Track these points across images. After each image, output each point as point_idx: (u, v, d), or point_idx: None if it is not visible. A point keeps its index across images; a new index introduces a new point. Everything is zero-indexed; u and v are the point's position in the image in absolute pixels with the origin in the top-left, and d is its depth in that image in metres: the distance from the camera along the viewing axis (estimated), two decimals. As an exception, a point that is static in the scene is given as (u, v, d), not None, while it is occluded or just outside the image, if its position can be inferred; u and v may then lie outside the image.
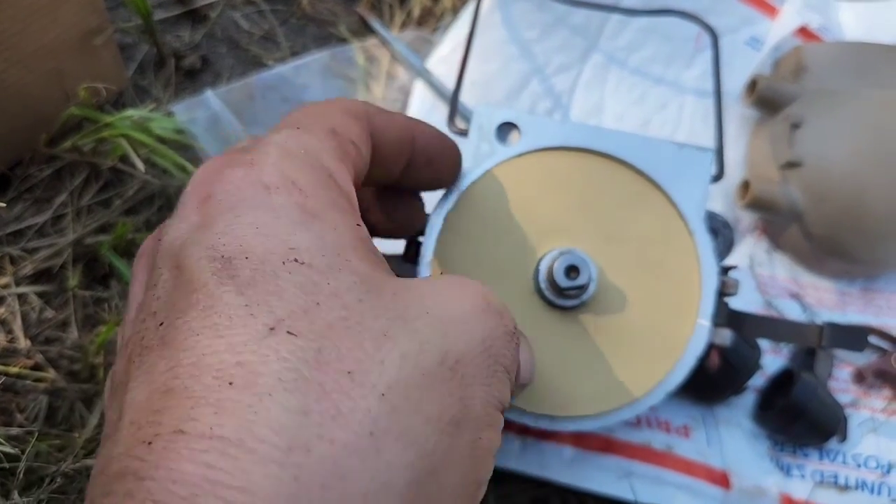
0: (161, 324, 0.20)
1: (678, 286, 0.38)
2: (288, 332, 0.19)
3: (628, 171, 0.39)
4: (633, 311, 0.38)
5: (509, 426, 0.49)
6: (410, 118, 0.33)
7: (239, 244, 0.21)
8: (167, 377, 0.18)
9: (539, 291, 0.38)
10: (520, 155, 0.40)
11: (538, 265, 0.38)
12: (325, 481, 0.17)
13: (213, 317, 0.19)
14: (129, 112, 0.55)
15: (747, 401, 0.52)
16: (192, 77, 0.63)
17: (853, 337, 0.43)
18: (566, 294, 0.38)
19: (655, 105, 0.63)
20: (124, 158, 0.55)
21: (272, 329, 0.19)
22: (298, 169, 0.24)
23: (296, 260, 0.20)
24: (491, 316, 0.24)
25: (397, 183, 0.34)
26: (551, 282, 0.37)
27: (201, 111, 0.58)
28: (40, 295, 0.52)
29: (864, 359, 0.54)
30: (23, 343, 0.51)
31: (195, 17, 0.66)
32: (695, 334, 0.38)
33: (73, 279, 0.53)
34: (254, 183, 0.23)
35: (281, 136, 0.25)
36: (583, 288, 0.39)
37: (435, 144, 0.34)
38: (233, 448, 0.16)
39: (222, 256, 0.20)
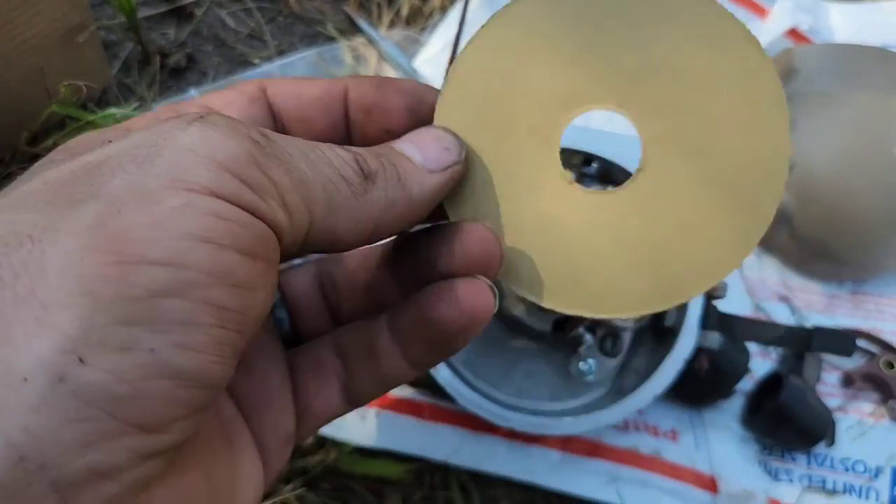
0: None
1: (755, 142, 0.28)
2: None
3: None
4: (691, 183, 0.29)
5: (495, 429, 0.49)
6: (349, 77, 0.30)
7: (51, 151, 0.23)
8: None
9: (566, 172, 0.31)
10: (509, 4, 0.30)
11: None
12: None
13: None
14: (112, 110, 0.54)
15: (735, 404, 0.52)
16: (177, 75, 0.63)
17: (842, 342, 0.43)
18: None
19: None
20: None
21: None
22: (141, 117, 0.25)
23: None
24: (163, 121, 0.21)
25: (354, 141, 0.30)
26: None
27: (185, 110, 0.57)
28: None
29: (853, 362, 0.54)
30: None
31: (181, 14, 0.65)
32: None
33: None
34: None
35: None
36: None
37: (369, 92, 0.29)
38: None
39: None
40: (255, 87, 0.28)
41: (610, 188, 0.29)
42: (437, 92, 0.30)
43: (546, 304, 0.29)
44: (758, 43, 0.27)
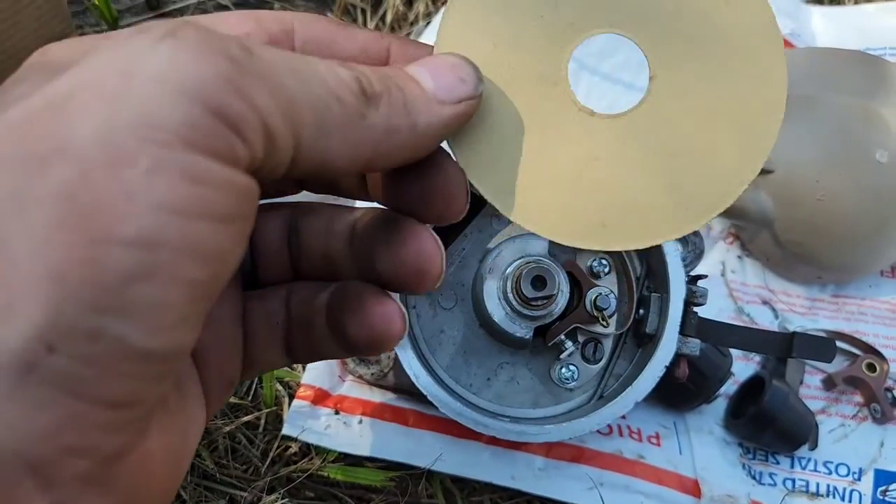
0: None
1: (755, 80, 0.29)
2: None
3: None
4: (699, 107, 0.29)
5: (479, 436, 0.49)
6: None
7: None
8: None
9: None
10: None
11: (504, 275, 0.35)
12: None
13: None
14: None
15: (718, 408, 0.52)
16: (160, 83, 0.62)
17: (823, 348, 0.43)
18: (532, 305, 0.38)
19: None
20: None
21: None
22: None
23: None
24: (130, 37, 0.19)
25: None
26: (517, 292, 0.37)
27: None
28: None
29: (835, 365, 0.54)
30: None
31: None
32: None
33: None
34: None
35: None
36: (551, 298, 0.38)
37: (318, 28, 0.27)
38: None
39: None
40: (279, 27, 0.26)
41: (617, 115, 0.28)
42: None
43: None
44: None
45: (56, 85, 0.18)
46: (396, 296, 0.29)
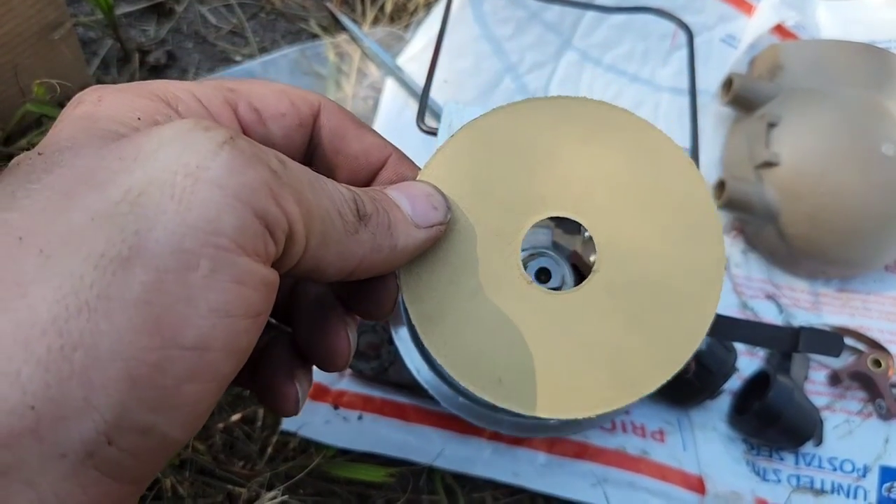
0: None
1: (695, 249, 0.31)
2: None
3: (621, 113, 0.33)
4: (641, 285, 0.31)
5: (480, 431, 0.48)
6: (324, 98, 0.31)
7: (27, 152, 0.23)
8: None
9: (526, 272, 0.33)
10: (491, 111, 0.33)
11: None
12: None
13: None
14: (89, 109, 0.53)
15: (723, 404, 0.52)
16: (157, 73, 0.62)
17: (829, 342, 0.43)
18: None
19: (630, 103, 0.62)
20: (84, 157, 0.53)
21: None
22: (118, 90, 0.25)
23: (38, 153, 0.22)
24: (193, 134, 0.21)
25: (317, 166, 0.31)
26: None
27: (165, 108, 0.56)
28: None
29: (840, 361, 0.53)
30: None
31: (161, 11, 0.64)
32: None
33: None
34: (72, 103, 0.25)
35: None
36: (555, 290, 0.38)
37: (336, 119, 0.30)
38: None
39: (8, 167, 0.23)
40: (308, 109, 0.30)
41: (565, 290, 0.31)
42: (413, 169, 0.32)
43: (502, 405, 0.30)
44: (692, 163, 0.31)
45: (129, 176, 0.21)
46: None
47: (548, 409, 0.30)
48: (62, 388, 0.19)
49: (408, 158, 0.32)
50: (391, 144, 0.32)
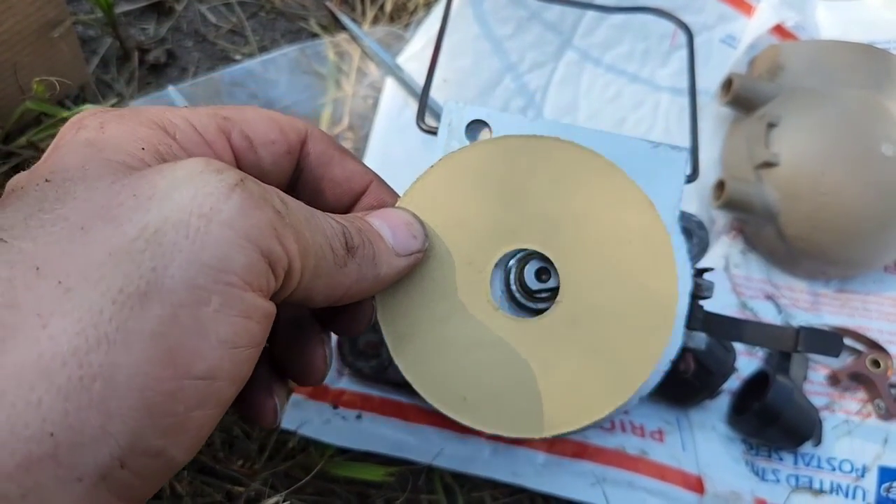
0: None
1: (651, 286, 0.34)
2: (1, 240, 0.21)
3: (592, 156, 0.35)
4: (599, 317, 0.33)
5: (479, 431, 0.48)
6: (310, 125, 0.32)
7: (28, 177, 0.24)
8: None
9: (504, 294, 0.35)
10: (470, 145, 0.35)
11: (507, 268, 0.36)
12: None
13: None
14: (88, 107, 0.53)
15: (722, 404, 0.52)
16: (156, 72, 0.62)
17: (829, 342, 0.43)
18: (537, 297, 0.37)
19: (630, 103, 0.62)
20: (84, 155, 0.53)
21: None
22: (118, 116, 0.26)
23: (46, 180, 0.23)
24: (205, 176, 0.23)
25: (300, 194, 0.33)
26: (521, 284, 0.36)
27: (164, 107, 0.56)
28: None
29: (839, 361, 0.53)
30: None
31: (160, 9, 0.64)
32: (672, 338, 0.36)
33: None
34: (72, 126, 0.26)
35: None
36: (555, 291, 0.38)
37: (321, 146, 0.32)
38: None
39: (12, 189, 0.24)
40: (296, 136, 0.31)
41: (529, 317, 0.34)
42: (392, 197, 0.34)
43: (465, 423, 0.32)
44: (652, 205, 0.33)
45: (144, 213, 0.22)
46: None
47: (507, 427, 0.32)
48: (80, 417, 0.20)
49: (387, 185, 0.34)
50: (372, 171, 0.34)
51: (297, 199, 0.32)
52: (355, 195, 0.33)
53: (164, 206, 0.22)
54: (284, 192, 0.31)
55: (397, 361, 0.33)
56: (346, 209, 0.33)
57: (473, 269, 0.34)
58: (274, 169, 0.31)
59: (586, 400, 0.32)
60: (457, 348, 0.33)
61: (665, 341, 0.33)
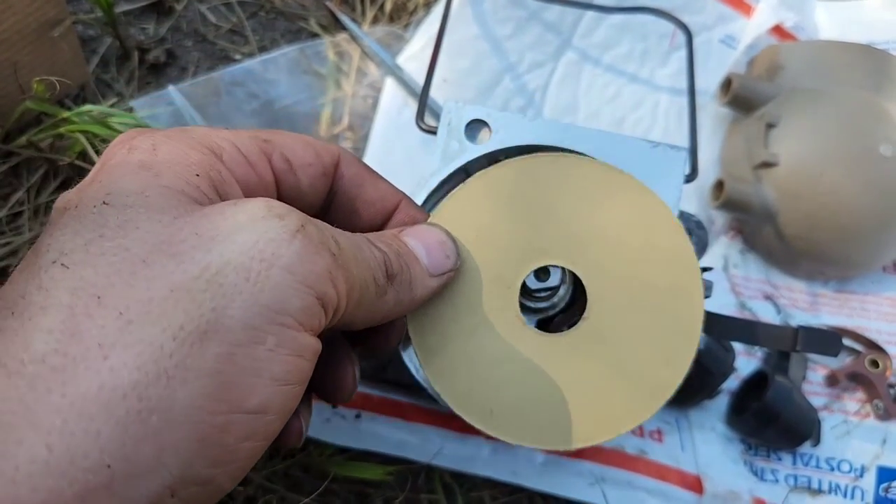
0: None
1: (677, 305, 0.34)
2: (62, 265, 0.22)
3: (620, 174, 0.35)
4: (625, 334, 0.34)
5: (479, 431, 0.48)
6: (342, 149, 0.33)
7: (80, 196, 0.24)
8: None
9: (522, 315, 0.35)
10: (501, 165, 0.35)
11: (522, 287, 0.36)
12: (51, 386, 0.20)
13: (30, 255, 0.23)
14: (88, 107, 0.53)
15: (720, 404, 0.52)
16: (156, 71, 0.62)
17: (828, 341, 0.43)
18: (536, 297, 0.37)
19: (629, 103, 0.62)
20: (83, 154, 0.53)
21: (53, 262, 0.22)
22: (168, 137, 0.26)
23: (104, 203, 0.23)
24: (267, 219, 0.24)
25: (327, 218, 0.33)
26: (522, 289, 0.36)
27: (163, 107, 0.56)
28: (-6, 296, 0.50)
29: (838, 361, 0.53)
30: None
31: (160, 9, 0.64)
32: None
33: (28, 279, 0.51)
34: (122, 145, 0.26)
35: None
36: (554, 290, 0.38)
37: (354, 169, 0.33)
38: None
39: (65, 207, 0.24)
40: (330, 159, 0.32)
41: (557, 333, 0.34)
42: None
43: (492, 434, 0.33)
44: (680, 225, 0.34)
45: (206, 253, 0.23)
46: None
47: (533, 440, 0.33)
48: (137, 448, 0.20)
49: (415, 203, 0.35)
50: (400, 190, 0.34)
51: (334, 219, 0.33)
52: (388, 214, 0.34)
53: (226, 248, 0.23)
54: (319, 212, 0.33)
55: (427, 374, 0.33)
56: (379, 227, 0.34)
57: (502, 285, 0.34)
58: (311, 191, 0.32)
59: (611, 415, 0.33)
60: (485, 362, 0.33)
61: (687, 364, 0.33)
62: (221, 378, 0.22)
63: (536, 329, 0.34)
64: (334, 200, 0.33)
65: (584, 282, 0.34)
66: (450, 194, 0.35)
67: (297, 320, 0.23)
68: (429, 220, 0.34)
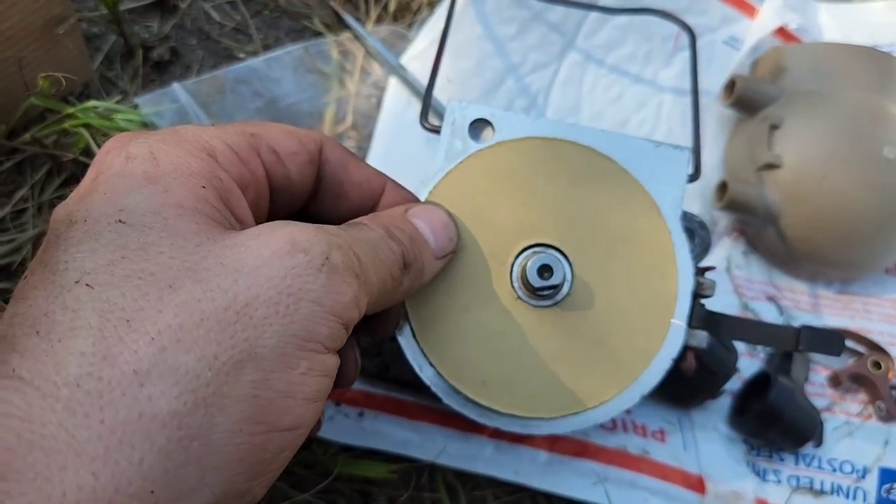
0: (25, 277, 0.24)
1: (653, 284, 0.37)
2: (87, 285, 0.22)
3: (606, 160, 0.38)
4: (606, 310, 0.36)
5: (482, 429, 0.48)
6: (323, 135, 0.33)
7: (87, 208, 0.24)
8: (6, 326, 0.22)
9: (514, 290, 0.37)
10: (495, 145, 0.38)
11: (513, 263, 0.37)
12: (89, 411, 0.20)
13: (41, 270, 0.23)
14: (93, 103, 0.53)
15: (723, 404, 0.52)
16: (160, 69, 0.62)
17: (830, 341, 0.43)
18: (539, 294, 0.38)
19: (633, 104, 0.62)
20: (87, 151, 0.53)
21: (77, 282, 0.22)
22: (164, 142, 0.27)
23: (120, 220, 0.24)
24: (292, 255, 0.24)
25: (313, 211, 0.34)
26: (524, 281, 0.36)
27: (167, 104, 0.56)
28: (-2, 292, 0.51)
29: (840, 362, 0.53)
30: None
31: (165, 7, 0.64)
32: (670, 332, 0.37)
33: (32, 276, 0.51)
34: (117, 153, 0.26)
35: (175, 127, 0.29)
36: (556, 288, 0.38)
37: (337, 154, 0.33)
38: (26, 387, 0.20)
39: (70, 220, 0.24)
40: (314, 146, 0.33)
41: (546, 304, 0.36)
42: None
43: (485, 403, 0.35)
44: (658, 209, 0.37)
45: (233, 284, 0.23)
46: None
47: (521, 409, 0.35)
48: (179, 474, 0.21)
49: (400, 185, 0.36)
50: (383, 173, 0.35)
51: (323, 204, 0.34)
52: (375, 196, 0.35)
53: (253, 281, 0.24)
54: (309, 199, 0.34)
55: (422, 345, 0.35)
56: (369, 210, 0.35)
57: (495, 262, 0.36)
58: (300, 179, 0.32)
59: (590, 385, 0.35)
60: (478, 335, 0.35)
61: (660, 340, 0.36)
62: (258, 402, 0.23)
63: (525, 303, 0.36)
64: (321, 185, 0.34)
65: (571, 259, 0.36)
66: (445, 172, 0.37)
67: (325, 345, 0.25)
68: (426, 199, 0.36)
